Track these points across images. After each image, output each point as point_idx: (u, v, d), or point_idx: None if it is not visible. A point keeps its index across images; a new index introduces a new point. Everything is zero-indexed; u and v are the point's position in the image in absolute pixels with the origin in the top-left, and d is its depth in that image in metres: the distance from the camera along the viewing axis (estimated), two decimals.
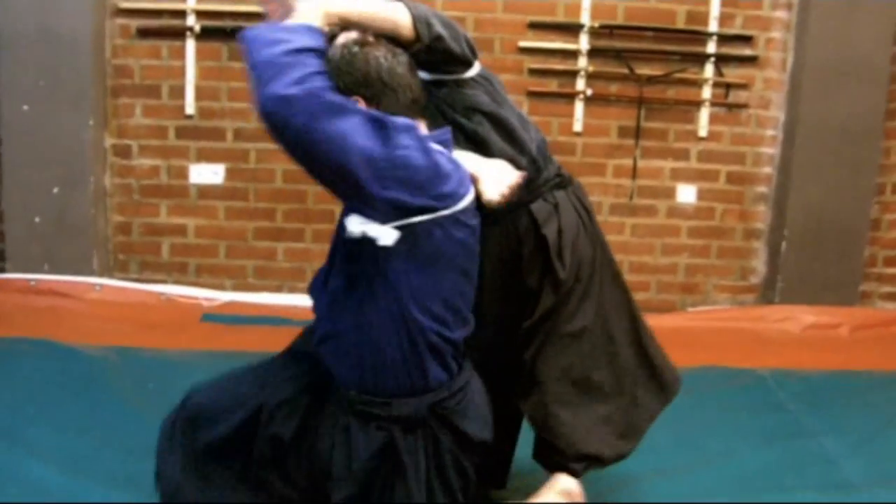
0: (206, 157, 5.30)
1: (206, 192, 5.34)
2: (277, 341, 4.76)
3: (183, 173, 5.31)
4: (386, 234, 2.29)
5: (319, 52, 2.35)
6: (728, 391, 4.60)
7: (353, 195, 2.32)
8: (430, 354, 2.46)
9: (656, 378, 3.24)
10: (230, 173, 5.31)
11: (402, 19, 2.60)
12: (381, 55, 2.47)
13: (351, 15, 2.55)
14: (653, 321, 4.83)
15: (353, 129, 2.25)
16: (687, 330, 5.33)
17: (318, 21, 2.45)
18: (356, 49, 2.47)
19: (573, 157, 5.33)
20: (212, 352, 4.72)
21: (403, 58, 2.51)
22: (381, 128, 2.29)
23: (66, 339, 4.68)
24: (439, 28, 2.69)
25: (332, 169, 2.28)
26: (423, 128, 2.50)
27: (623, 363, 3.15)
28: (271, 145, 4.98)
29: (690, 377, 4.28)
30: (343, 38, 2.51)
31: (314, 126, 2.23)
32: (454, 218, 2.38)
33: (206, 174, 5.32)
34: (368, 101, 2.43)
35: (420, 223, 2.32)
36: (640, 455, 3.43)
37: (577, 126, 5.36)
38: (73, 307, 5.07)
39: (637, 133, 5.39)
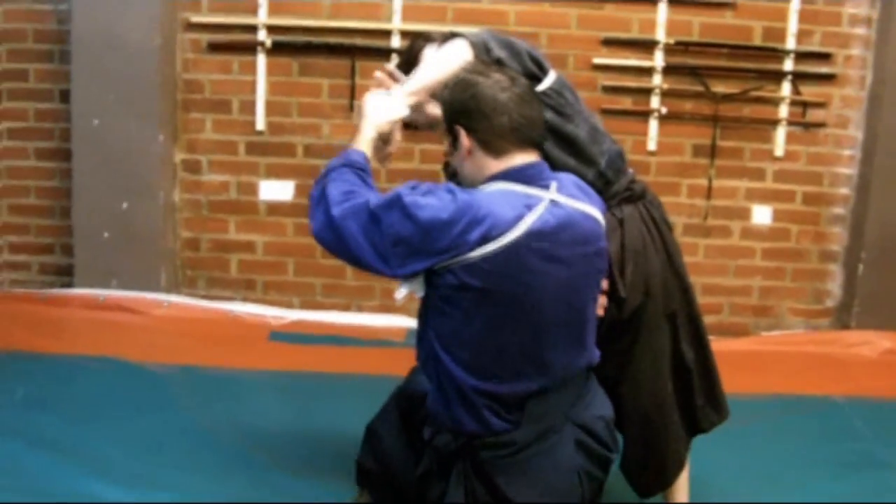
0: (275, 173, 5.38)
1: (275, 208, 5.42)
2: (346, 362, 4.91)
3: (252, 189, 5.40)
4: (399, 292, 2.57)
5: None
6: (802, 419, 4.57)
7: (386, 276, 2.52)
8: (459, 401, 2.56)
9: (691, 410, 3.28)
10: (299, 189, 5.37)
11: (465, 55, 2.85)
12: (486, 82, 2.58)
13: (427, 83, 2.90)
14: (725, 344, 4.89)
15: (358, 229, 2.51)
16: (760, 354, 5.34)
17: (405, 110, 2.89)
18: (462, 78, 2.64)
19: (647, 175, 5.34)
20: (279, 372, 4.80)
21: (516, 87, 2.60)
22: (374, 220, 2.48)
23: (133, 356, 4.76)
24: (497, 51, 2.87)
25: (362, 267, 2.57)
26: (525, 158, 2.57)
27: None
28: None
29: (763, 405, 4.31)
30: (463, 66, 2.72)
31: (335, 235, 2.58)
32: (472, 265, 2.43)
33: (276, 190, 5.40)
34: (467, 130, 2.58)
35: (428, 277, 2.50)
36: (707, 483, 3.45)
37: (651, 144, 5.39)
38: (141, 323, 5.15)
39: (712, 152, 5.41)
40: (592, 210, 2.63)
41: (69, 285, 5.37)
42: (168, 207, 5.33)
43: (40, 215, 5.53)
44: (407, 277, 2.49)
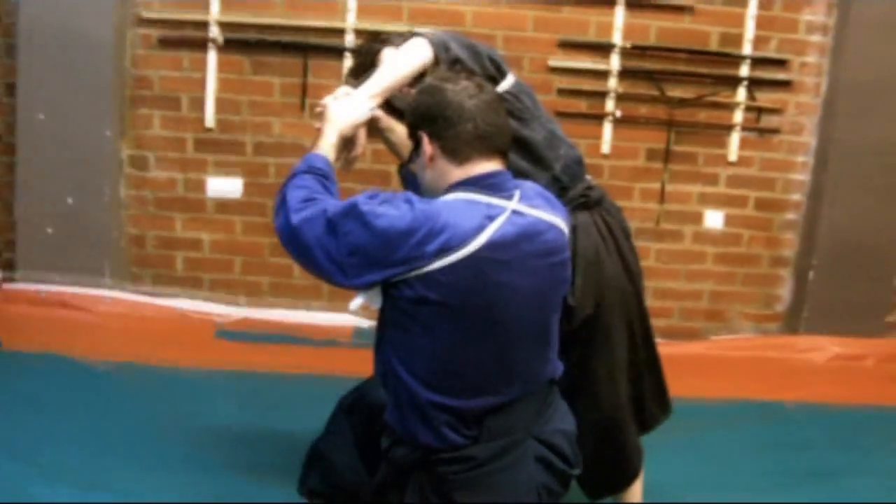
0: (224, 170, 5.32)
1: (223, 206, 5.37)
2: (293, 361, 4.88)
3: (200, 186, 5.34)
4: (354, 302, 2.54)
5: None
6: (754, 426, 4.65)
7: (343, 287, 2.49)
8: (416, 416, 2.53)
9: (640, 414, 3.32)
10: (248, 187, 5.33)
11: (425, 54, 2.89)
12: (453, 88, 2.55)
13: (389, 84, 2.92)
14: (676, 348, 4.92)
15: (314, 237, 2.47)
16: (711, 358, 5.42)
17: (368, 112, 2.90)
18: (428, 83, 2.63)
19: (600, 179, 5.32)
20: (225, 371, 4.81)
21: (484, 94, 2.57)
22: (331, 228, 2.43)
23: (77, 354, 4.74)
24: (457, 51, 2.90)
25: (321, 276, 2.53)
26: (489, 166, 2.53)
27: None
28: (291, 159, 5.06)
29: (716, 410, 4.33)
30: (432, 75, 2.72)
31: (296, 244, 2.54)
32: (430, 277, 2.39)
33: (224, 187, 5.34)
34: (431, 136, 2.54)
35: (386, 289, 2.45)
36: (661, 490, 3.47)
37: (605, 148, 5.40)
38: (84, 319, 5.11)
39: (666, 156, 5.43)
40: (556, 219, 2.59)
41: (11, 280, 5.28)
42: (114, 203, 5.26)
43: None
44: (363, 288, 2.45)
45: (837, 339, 5.50)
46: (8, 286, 5.26)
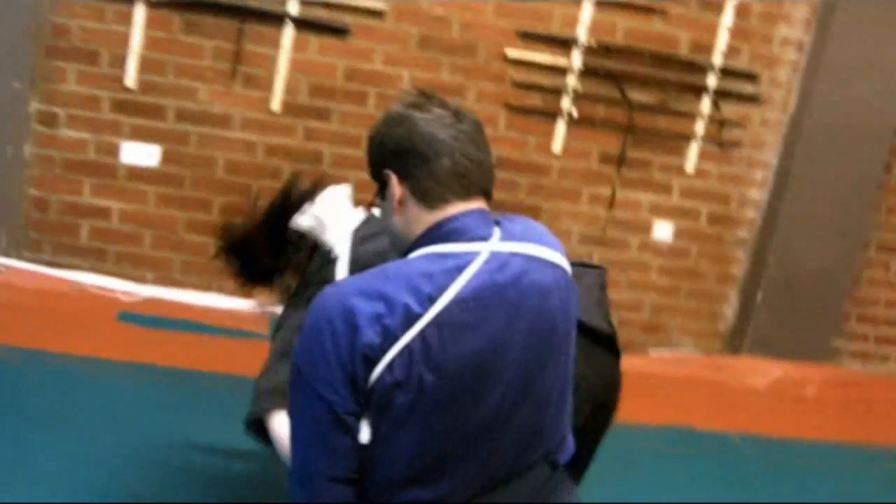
0: (141, 135, 4.93)
1: (136, 173, 4.98)
2: (203, 355, 4.60)
3: (113, 151, 4.94)
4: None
5: None
6: (691, 455, 4.58)
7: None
8: None
9: None
10: (166, 156, 4.97)
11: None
12: (424, 117, 2.17)
13: None
14: None
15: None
16: (650, 376, 5.23)
17: None
18: (395, 112, 2.22)
19: (548, 179, 5.10)
20: (127, 364, 4.56)
21: (462, 124, 2.18)
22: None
23: None
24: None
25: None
26: (473, 205, 2.17)
27: None
28: (216, 130, 4.72)
29: (655, 438, 4.17)
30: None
31: None
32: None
33: (140, 154, 4.96)
34: (400, 175, 2.16)
35: None
36: None
37: (557, 147, 5.14)
38: None
39: (620, 161, 5.19)
40: (550, 254, 2.22)
41: None
42: (16, 161, 4.85)
43: None
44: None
45: (780, 363, 5.39)
46: None
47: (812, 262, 5.37)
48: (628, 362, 5.05)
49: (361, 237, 2.96)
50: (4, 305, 4.69)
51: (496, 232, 2.15)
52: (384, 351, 1.98)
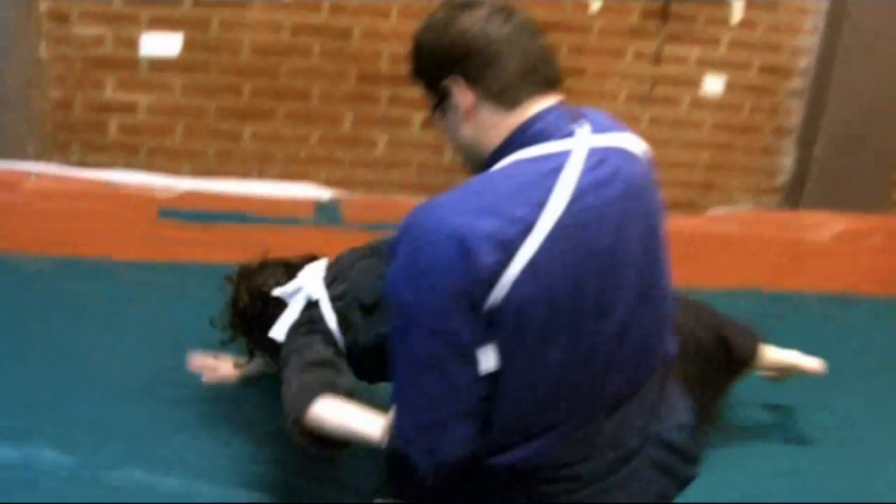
0: (159, 25, 4.73)
1: (159, 64, 4.80)
2: (243, 246, 4.47)
3: (132, 43, 4.75)
4: None
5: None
6: (769, 316, 4.39)
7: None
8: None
9: None
10: (188, 44, 4.77)
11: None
12: (472, 17, 2.02)
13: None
14: (672, 223, 4.57)
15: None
16: (710, 237, 5.07)
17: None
18: (436, 20, 2.07)
19: (588, 38, 4.86)
20: (171, 264, 4.49)
21: (513, 18, 2.04)
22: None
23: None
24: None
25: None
26: (542, 103, 2.03)
27: None
28: (237, 12, 4.50)
29: (724, 303, 3.99)
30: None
31: None
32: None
33: (160, 45, 4.77)
34: (467, 81, 2.01)
35: None
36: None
37: (595, 5, 4.86)
38: (5, 200, 4.62)
39: (663, 15, 4.91)
40: (637, 143, 2.13)
41: None
42: (33, 64, 4.69)
43: None
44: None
45: (841, 216, 5.17)
46: None
47: (871, 110, 5.11)
48: (687, 223, 4.97)
49: (334, 275, 2.95)
50: (38, 214, 4.60)
51: (585, 126, 2.01)
52: (504, 269, 1.83)
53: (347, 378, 2.66)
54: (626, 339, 2.03)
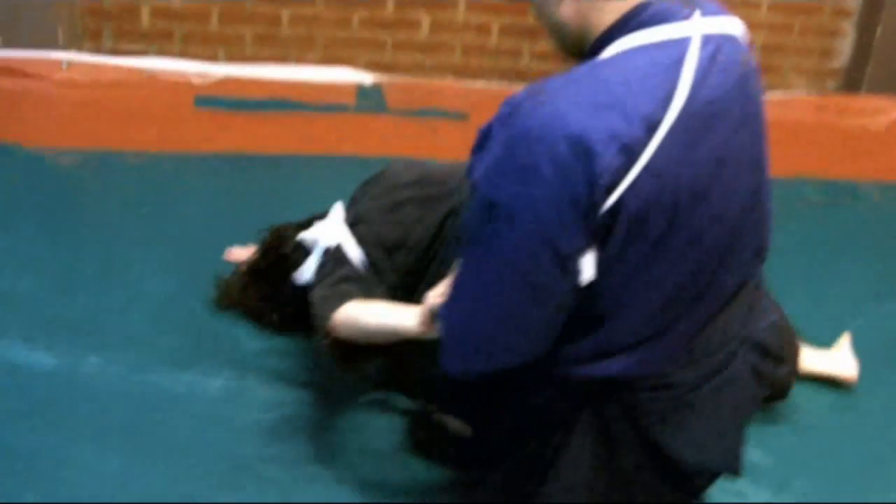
0: None
1: None
2: (283, 134, 4.43)
3: None
4: None
5: None
6: (830, 206, 4.38)
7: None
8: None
9: None
10: None
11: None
12: None
13: None
14: None
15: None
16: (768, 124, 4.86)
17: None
18: None
19: None
20: (215, 154, 4.36)
21: None
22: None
23: (27, 140, 4.27)
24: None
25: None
26: None
27: None
28: None
29: (783, 193, 3.88)
30: None
31: None
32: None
33: None
34: None
35: None
36: None
37: None
38: (37, 90, 4.48)
39: None
40: (739, 26, 1.87)
41: None
42: None
43: None
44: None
45: None
46: None
47: None
48: None
49: (353, 216, 2.80)
50: (70, 105, 4.47)
51: (696, 9, 1.78)
52: (627, 173, 1.62)
53: (380, 291, 2.55)
54: (738, 241, 1.86)
